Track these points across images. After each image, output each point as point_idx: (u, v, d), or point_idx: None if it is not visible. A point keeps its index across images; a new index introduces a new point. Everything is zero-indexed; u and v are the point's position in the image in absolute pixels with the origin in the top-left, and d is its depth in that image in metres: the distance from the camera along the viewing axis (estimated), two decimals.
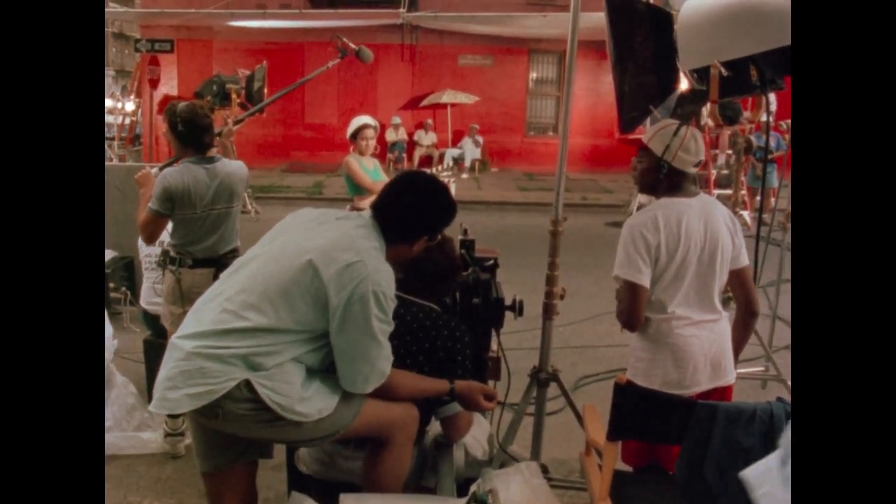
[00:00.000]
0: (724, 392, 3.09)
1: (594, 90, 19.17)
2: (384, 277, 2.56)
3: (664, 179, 3.08)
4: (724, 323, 3.13)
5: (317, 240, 2.58)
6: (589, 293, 7.71)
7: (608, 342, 6.49)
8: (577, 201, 16.19)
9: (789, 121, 7.04)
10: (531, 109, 21.83)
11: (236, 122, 5.09)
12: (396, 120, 20.33)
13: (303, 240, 2.61)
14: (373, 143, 6.28)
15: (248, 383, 2.41)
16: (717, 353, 3.06)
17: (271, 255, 2.62)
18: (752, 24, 3.64)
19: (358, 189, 6.17)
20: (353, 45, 4.46)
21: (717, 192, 13.38)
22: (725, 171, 11.81)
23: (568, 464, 4.17)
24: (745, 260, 3.16)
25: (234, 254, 4.18)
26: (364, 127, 6.27)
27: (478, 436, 3.22)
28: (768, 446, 2.41)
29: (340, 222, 2.68)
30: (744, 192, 12.84)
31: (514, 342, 5.52)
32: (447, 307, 3.31)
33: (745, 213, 12.12)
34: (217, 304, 2.55)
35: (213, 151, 4.19)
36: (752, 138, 4.96)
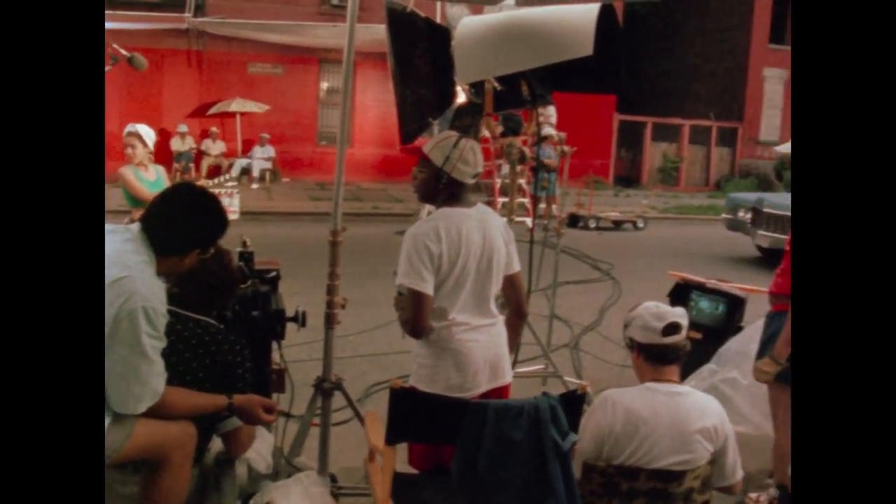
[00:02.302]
0: (502, 392, 3.24)
1: (385, 100, 19.40)
2: (154, 292, 2.49)
3: (444, 189, 3.17)
4: (500, 326, 3.28)
5: None
6: (379, 301, 7.79)
7: (398, 349, 6.59)
8: (369, 210, 16.34)
9: (563, 133, 7.47)
10: (322, 119, 21.78)
11: None
12: (183, 128, 19.55)
13: None
14: (139, 151, 6.01)
15: None
16: (495, 355, 3.20)
17: None
18: (523, 43, 3.82)
19: (135, 200, 5.92)
20: (124, 52, 4.23)
21: (501, 199, 13.96)
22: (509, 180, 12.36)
23: (358, 471, 4.19)
24: (516, 266, 3.33)
25: None
26: (126, 135, 6.01)
27: (261, 450, 3.19)
28: (535, 439, 2.56)
29: (108, 237, 2.57)
30: (527, 200, 13.47)
31: (305, 353, 5.49)
32: (227, 320, 3.25)
33: (529, 220, 12.71)
34: None
35: None
36: (525, 150, 5.23)
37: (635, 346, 2.96)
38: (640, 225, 15.82)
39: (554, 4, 3.79)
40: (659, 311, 2.92)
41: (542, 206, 13.90)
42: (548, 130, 10.52)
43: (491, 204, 12.54)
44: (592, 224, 15.10)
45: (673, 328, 2.88)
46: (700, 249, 13.47)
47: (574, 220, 15.05)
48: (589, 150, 24.72)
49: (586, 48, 3.43)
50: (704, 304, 5.44)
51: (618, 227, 15.55)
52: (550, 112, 14.22)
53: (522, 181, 13.17)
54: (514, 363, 4.19)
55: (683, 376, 4.77)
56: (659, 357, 2.89)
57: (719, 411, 2.93)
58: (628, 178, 26.88)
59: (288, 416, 3.56)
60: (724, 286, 5.58)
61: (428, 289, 3.03)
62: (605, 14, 3.69)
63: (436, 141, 3.21)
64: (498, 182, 14.57)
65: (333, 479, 3.73)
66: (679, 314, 2.92)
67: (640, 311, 2.95)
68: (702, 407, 2.89)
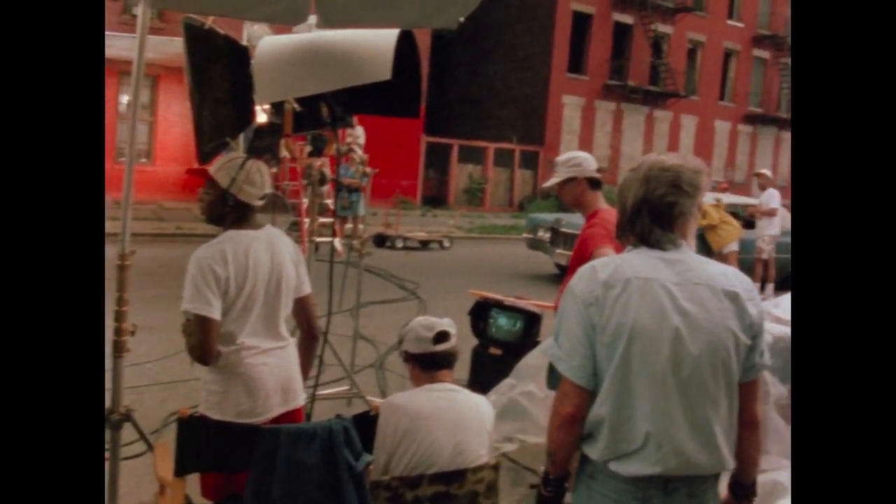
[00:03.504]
0: (295, 415, 3.21)
1: (190, 116, 18.74)
2: None
3: (230, 212, 3.12)
4: (291, 349, 3.26)
5: None
6: (178, 326, 7.52)
7: (198, 375, 6.39)
8: (172, 231, 15.73)
9: (366, 155, 7.52)
10: (122, 134, 20.74)
11: None
12: None
13: None
14: None
15: None
16: (286, 378, 3.17)
17: None
18: (323, 65, 3.84)
19: None
20: None
21: (320, 219, 13.84)
22: (321, 201, 12.27)
23: None
24: (307, 288, 3.32)
25: None
26: None
27: None
28: (329, 462, 2.56)
29: None
30: (334, 220, 13.43)
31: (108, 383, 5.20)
32: None
33: (336, 241, 12.68)
34: None
35: None
36: (326, 171, 5.25)
37: (410, 358, 3.16)
38: (447, 244, 16.18)
39: (354, 28, 3.82)
40: (428, 322, 3.16)
41: (349, 226, 13.92)
42: (356, 151, 10.57)
43: (297, 225, 12.43)
44: (399, 244, 15.29)
45: (443, 336, 3.12)
46: (503, 267, 13.96)
47: (381, 240, 15.18)
48: (397, 171, 25.08)
49: (384, 72, 3.49)
50: (503, 320, 5.63)
51: (424, 246, 15.83)
52: (358, 133, 14.32)
53: (330, 202, 13.13)
54: (317, 385, 4.17)
55: (484, 391, 4.93)
56: (432, 364, 3.11)
57: (491, 413, 3.20)
58: (436, 199, 27.45)
59: None
60: (522, 303, 5.80)
61: (214, 313, 2.96)
62: (405, 39, 3.78)
63: (222, 162, 3.16)
64: (305, 202, 14.46)
65: None
66: (447, 323, 3.17)
67: (412, 325, 3.18)
68: (476, 403, 3.16)
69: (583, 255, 4.01)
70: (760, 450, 2.27)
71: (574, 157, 4.23)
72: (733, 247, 12.03)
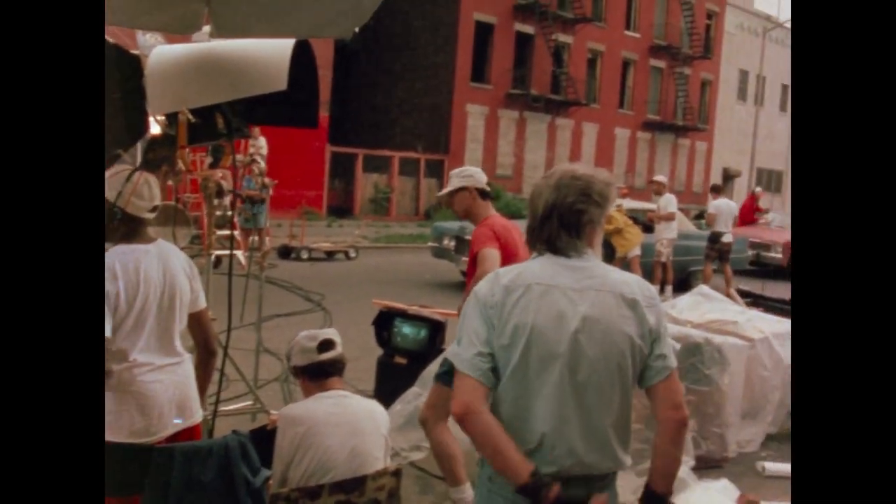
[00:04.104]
0: (191, 432, 3.13)
1: None
2: None
3: (119, 225, 3.03)
4: (186, 364, 3.18)
5: None
6: None
7: None
8: None
9: (264, 165, 7.44)
10: None
11: None
12: None
13: None
14: None
15: None
16: (181, 395, 3.09)
17: None
18: (217, 75, 3.78)
19: None
20: None
21: (218, 232, 13.57)
22: (219, 213, 12.03)
23: None
24: (202, 303, 3.27)
25: None
26: None
27: None
28: (226, 478, 2.52)
29: None
30: (237, 232, 13.20)
31: None
32: None
33: (240, 254, 12.48)
34: None
35: None
36: (223, 183, 5.15)
37: (299, 372, 3.21)
38: (353, 254, 16.09)
39: (249, 38, 3.77)
40: (311, 333, 3.24)
41: (254, 238, 13.71)
42: (259, 162, 10.45)
43: (199, 237, 12.17)
44: (305, 255, 15.12)
45: (327, 344, 3.19)
46: (409, 277, 13.98)
47: (286, 252, 15.00)
48: (302, 182, 24.86)
49: (280, 82, 3.47)
50: (407, 329, 5.65)
51: (330, 257, 15.71)
52: (261, 143, 14.14)
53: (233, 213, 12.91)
54: (217, 401, 4.09)
55: (390, 401, 4.93)
56: (321, 373, 3.17)
57: (386, 417, 3.26)
58: (341, 209, 27.32)
59: None
60: (426, 312, 5.84)
61: (105, 330, 2.88)
62: (301, 49, 3.76)
63: (108, 175, 3.07)
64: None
65: None
66: (331, 332, 3.26)
67: (297, 339, 3.24)
68: (369, 407, 3.22)
69: (471, 258, 4.26)
70: (676, 457, 2.28)
71: (466, 170, 4.54)
72: (636, 251, 12.35)
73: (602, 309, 2.20)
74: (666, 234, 12.98)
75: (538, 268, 2.26)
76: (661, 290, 12.52)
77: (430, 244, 14.26)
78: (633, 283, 2.29)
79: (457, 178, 4.45)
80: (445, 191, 4.48)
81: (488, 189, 4.50)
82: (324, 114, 25.46)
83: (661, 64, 37.70)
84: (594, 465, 2.20)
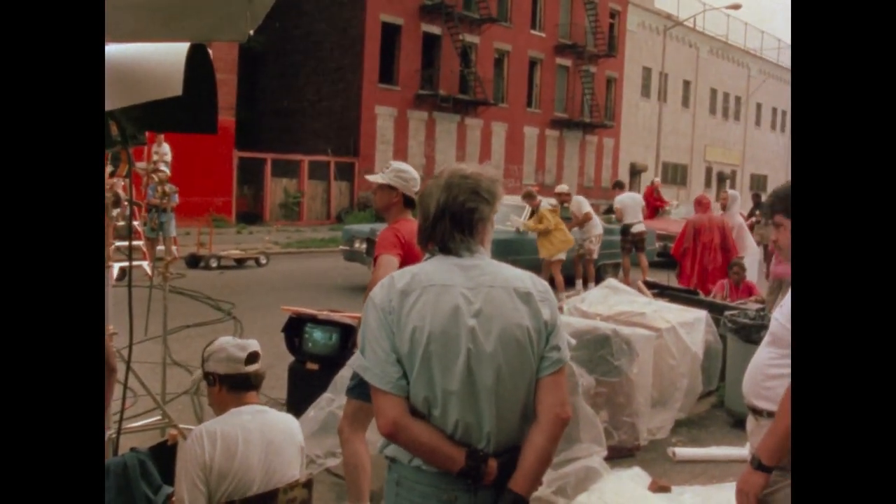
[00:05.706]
0: None
1: None
2: None
3: None
4: None
5: None
6: None
7: None
8: None
9: (164, 173, 7.26)
10: None
11: None
12: None
13: None
14: None
15: None
16: None
17: None
18: (110, 81, 3.65)
19: None
20: None
21: (118, 242, 13.20)
22: (122, 223, 11.73)
23: None
24: None
25: None
26: None
27: None
28: (126, 498, 2.44)
29: None
30: (142, 242, 12.87)
31: None
32: None
33: (145, 264, 12.17)
34: None
35: None
36: (120, 192, 5.00)
37: (217, 379, 3.09)
38: (263, 261, 15.83)
39: (143, 42, 3.66)
40: (239, 342, 3.13)
41: (161, 248, 13.38)
42: (163, 170, 10.17)
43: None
44: (214, 263, 14.78)
45: (254, 356, 3.10)
46: (321, 281, 13.85)
47: (195, 261, 14.65)
48: (210, 188, 24.40)
49: (175, 88, 3.38)
50: (318, 335, 5.58)
51: (240, 264, 15.42)
52: (165, 150, 13.81)
53: (137, 223, 12.57)
54: (121, 418, 3.97)
55: (304, 407, 4.86)
56: (242, 384, 3.07)
57: (299, 430, 3.21)
58: (251, 215, 26.90)
59: None
60: (336, 316, 5.77)
61: None
62: (197, 53, 3.67)
63: None
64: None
65: None
66: (256, 345, 3.16)
67: (221, 345, 3.11)
68: (286, 423, 3.15)
69: (374, 260, 4.23)
70: (549, 456, 2.25)
71: (405, 171, 4.38)
72: (560, 256, 12.37)
73: (497, 304, 2.22)
74: (594, 231, 13.20)
75: (432, 269, 2.28)
76: (585, 286, 12.70)
77: (341, 247, 14.14)
78: (526, 278, 2.32)
79: (392, 173, 4.33)
80: (376, 179, 4.37)
81: (414, 198, 4.37)
82: (229, 118, 25.02)
83: (567, 62, 38.32)
84: (509, 443, 2.24)
